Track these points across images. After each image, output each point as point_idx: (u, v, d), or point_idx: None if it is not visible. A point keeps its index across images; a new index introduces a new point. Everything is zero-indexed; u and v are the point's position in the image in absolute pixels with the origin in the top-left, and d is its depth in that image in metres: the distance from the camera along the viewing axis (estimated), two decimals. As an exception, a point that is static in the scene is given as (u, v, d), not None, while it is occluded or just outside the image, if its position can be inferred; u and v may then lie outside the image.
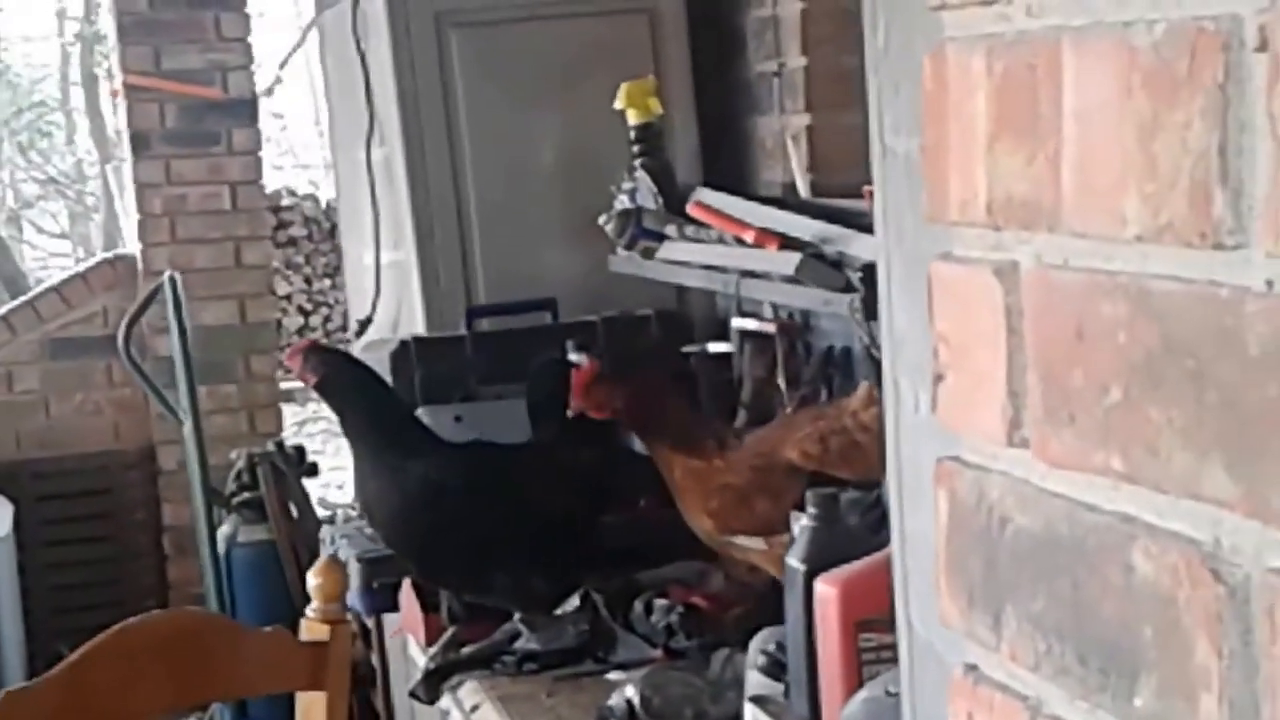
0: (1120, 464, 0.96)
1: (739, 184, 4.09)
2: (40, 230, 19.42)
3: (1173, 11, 0.90)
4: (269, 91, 12.96)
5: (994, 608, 1.09)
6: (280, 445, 5.08)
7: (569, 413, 2.90)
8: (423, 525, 3.09)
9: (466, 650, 3.03)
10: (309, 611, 2.49)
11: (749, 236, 3.32)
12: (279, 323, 10.20)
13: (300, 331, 10.20)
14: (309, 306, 10.45)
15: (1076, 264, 0.99)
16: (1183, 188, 0.89)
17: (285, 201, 10.70)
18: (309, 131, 18.14)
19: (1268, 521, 0.85)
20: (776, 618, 2.31)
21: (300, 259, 10.47)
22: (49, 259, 18.34)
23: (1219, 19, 0.86)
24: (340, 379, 3.14)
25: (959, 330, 1.12)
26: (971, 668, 1.13)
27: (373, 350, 3.89)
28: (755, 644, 2.44)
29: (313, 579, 2.48)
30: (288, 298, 10.39)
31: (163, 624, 2.44)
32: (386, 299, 4.28)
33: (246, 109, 6.67)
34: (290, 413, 6.66)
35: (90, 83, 17.84)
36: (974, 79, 1.07)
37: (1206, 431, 0.89)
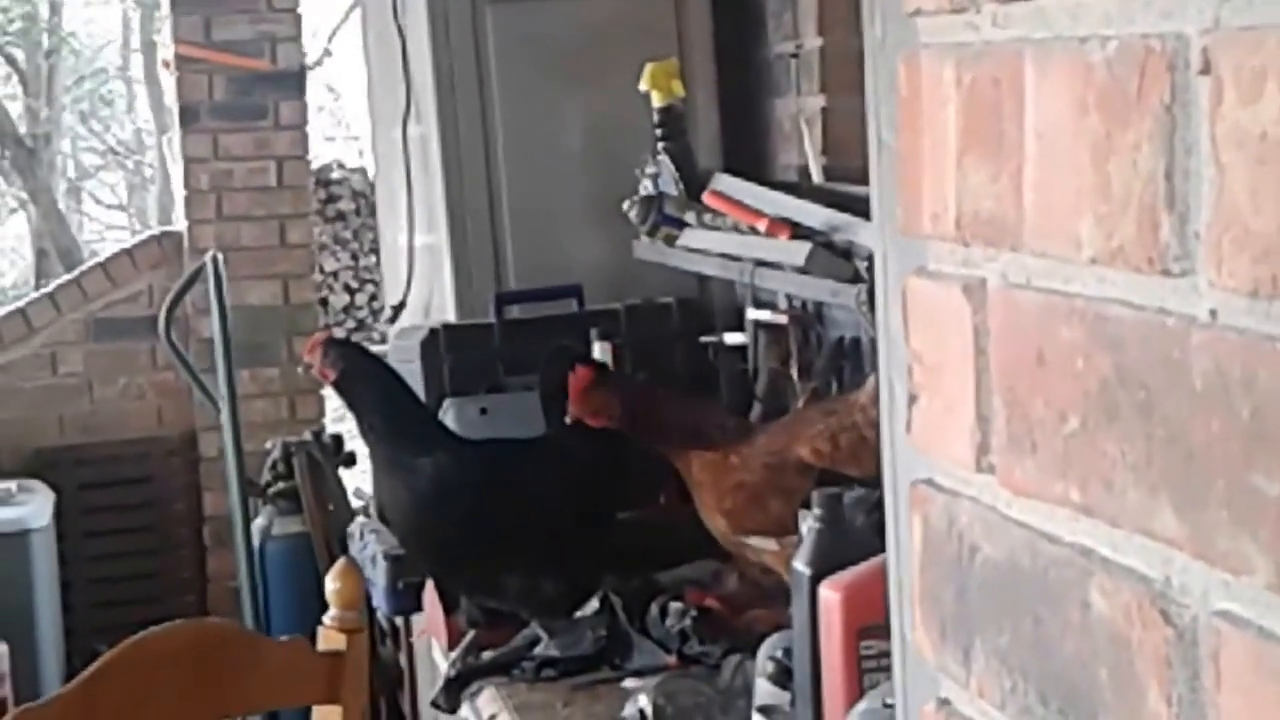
0: (1078, 496, 0.96)
1: (758, 168, 4.10)
2: (98, 201, 19.58)
3: (1125, 28, 0.90)
4: (318, 63, 13.01)
5: (964, 640, 1.10)
6: (317, 434, 5.11)
7: (566, 418, 2.92)
8: (433, 525, 3.10)
9: (486, 656, 3.05)
10: (326, 619, 2.52)
11: (762, 226, 3.35)
12: (325, 301, 10.24)
13: (347, 310, 10.23)
14: (355, 284, 10.46)
15: (1039, 284, 1.00)
16: (1132, 211, 0.90)
17: (335, 175, 10.73)
18: (362, 103, 18.21)
19: (1213, 563, 0.86)
20: (789, 621, 2.32)
21: (348, 234, 10.49)
22: (105, 231, 18.49)
23: (1165, 38, 0.86)
24: (358, 375, 3.16)
25: (932, 349, 1.13)
26: (944, 702, 1.14)
27: (405, 337, 3.92)
28: (764, 650, 2.45)
29: (330, 584, 2.51)
30: (334, 274, 10.41)
31: (179, 635, 2.47)
32: (419, 283, 4.32)
33: (294, 81, 6.72)
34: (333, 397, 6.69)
35: (150, 50, 17.97)
36: (945, 89, 1.08)
37: (1156, 468, 0.89)
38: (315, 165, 11.48)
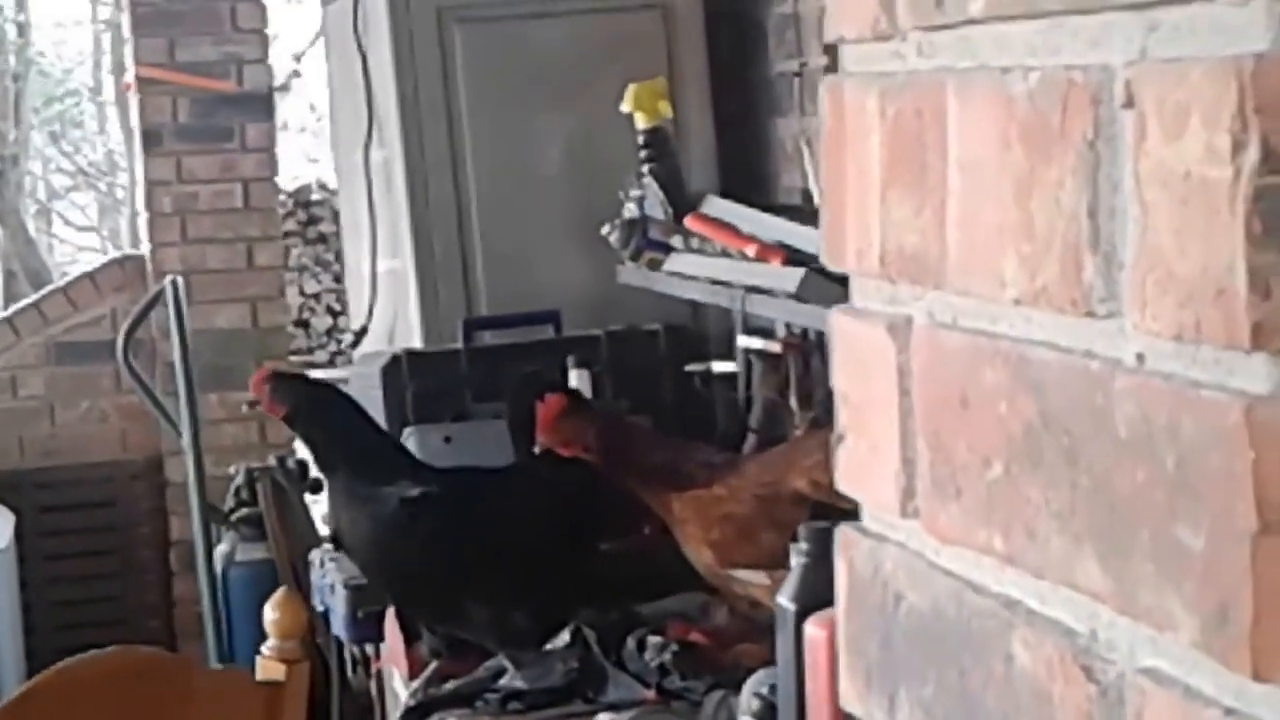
0: (1001, 544, 0.92)
1: (758, 190, 4.04)
2: (68, 223, 19.48)
3: (1049, 58, 0.86)
4: (286, 86, 12.95)
5: (889, 689, 1.06)
6: (282, 460, 5.05)
7: (535, 449, 2.85)
8: (395, 555, 3.04)
9: (448, 686, 2.99)
10: (264, 649, 2.46)
11: (751, 251, 3.28)
12: (307, 323, 10.17)
13: (330, 332, 10.16)
14: (338, 306, 10.39)
15: (965, 324, 0.95)
16: (1056, 250, 0.85)
17: (315, 196, 10.67)
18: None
19: (1138, 618, 0.81)
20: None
21: (330, 256, 10.43)
22: (77, 253, 18.39)
23: (1089, 69, 0.82)
24: (309, 408, 3.09)
25: (857, 389, 1.09)
26: (871, 753, 1.10)
27: (366, 364, 3.86)
28: (749, 686, 2.39)
29: (269, 613, 2.45)
30: (316, 296, 10.36)
31: (107, 663, 2.42)
32: (383, 309, 4.25)
33: (262, 103, 6.66)
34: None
35: (120, 71, 17.88)
36: (869, 120, 1.04)
37: (1080, 517, 0.85)
38: (296, 186, 11.42)
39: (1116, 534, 0.82)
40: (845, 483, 1.11)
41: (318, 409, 3.10)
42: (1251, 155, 0.72)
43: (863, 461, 1.08)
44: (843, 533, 1.11)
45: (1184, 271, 0.76)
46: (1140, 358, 0.80)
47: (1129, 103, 0.79)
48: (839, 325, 1.10)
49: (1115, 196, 0.81)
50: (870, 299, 1.06)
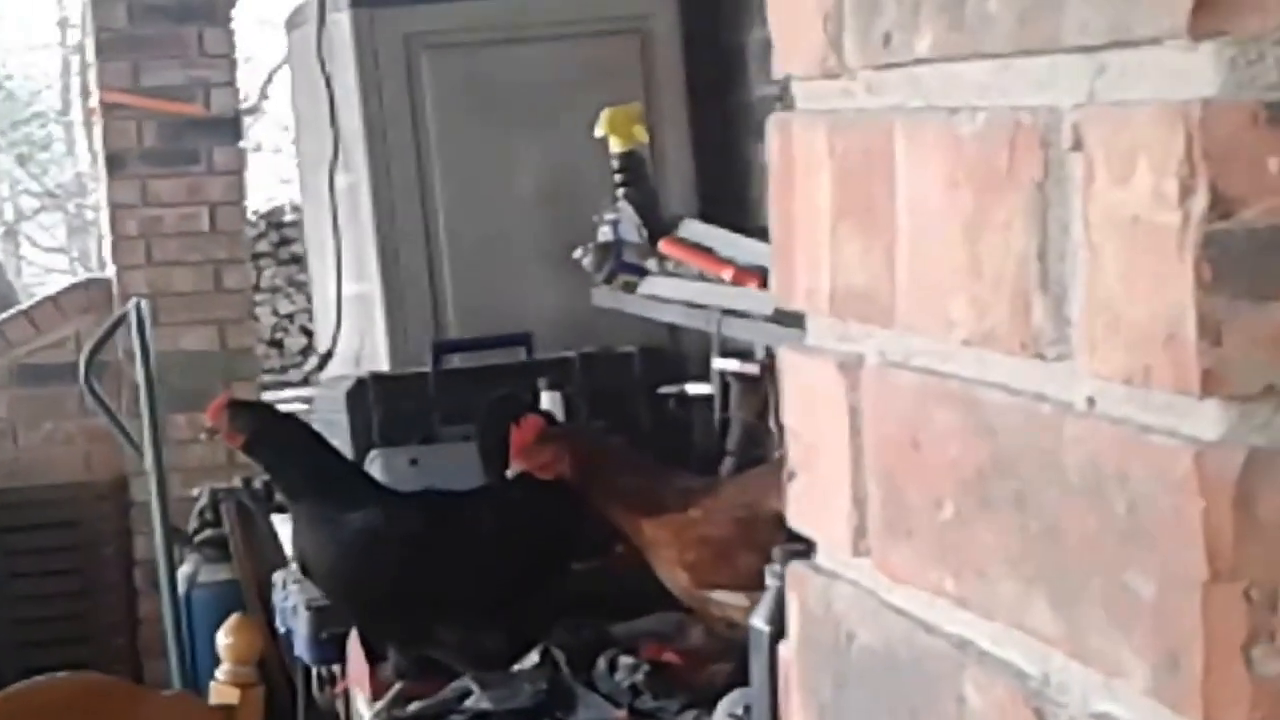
0: (953, 586, 0.90)
1: (739, 214, 4.02)
2: (36, 245, 19.40)
3: (997, 99, 0.84)
4: (255, 108, 12.91)
5: (843, 730, 1.04)
6: (248, 481, 5.02)
7: (507, 473, 2.82)
8: (361, 578, 3.01)
9: (412, 708, 2.96)
10: (218, 674, 2.43)
11: (727, 274, 3.27)
12: (280, 343, 10.12)
13: (304, 352, 10.12)
14: (311, 326, 10.35)
15: (915, 364, 0.94)
16: (1005, 292, 0.84)
17: (288, 217, 10.63)
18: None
19: (1089, 663, 0.80)
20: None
21: (303, 276, 10.37)
22: (45, 274, 18.31)
23: (1037, 111, 0.81)
24: (268, 435, 3.06)
25: (808, 427, 1.07)
26: (824, 792, 1.08)
27: (331, 387, 3.84)
28: (723, 707, 2.38)
29: (223, 638, 2.42)
30: (290, 317, 10.32)
31: (57, 689, 2.39)
32: (349, 333, 4.23)
33: (229, 127, 6.63)
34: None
35: (89, 94, 17.81)
36: (818, 157, 1.02)
37: (1031, 561, 0.83)
38: (268, 207, 11.38)
39: (1068, 579, 0.80)
40: (797, 520, 1.09)
41: (276, 436, 3.07)
42: (1200, 201, 0.70)
43: (814, 499, 1.07)
44: (795, 570, 1.09)
45: (1134, 316, 0.74)
46: (1091, 402, 0.79)
47: (1077, 145, 0.78)
48: (789, 362, 1.09)
49: (1064, 239, 0.80)
50: (822, 336, 1.05)
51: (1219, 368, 0.70)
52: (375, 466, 3.52)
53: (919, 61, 0.91)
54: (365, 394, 3.71)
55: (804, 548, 2.33)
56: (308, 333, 10.48)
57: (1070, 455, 0.80)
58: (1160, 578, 0.73)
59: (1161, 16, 0.71)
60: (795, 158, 1.05)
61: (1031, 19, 0.81)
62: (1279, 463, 0.70)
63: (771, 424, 3.43)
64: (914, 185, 0.91)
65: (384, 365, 3.97)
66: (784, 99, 3.79)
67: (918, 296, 0.92)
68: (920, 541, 0.93)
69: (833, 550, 1.05)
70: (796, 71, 1.05)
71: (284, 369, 10.31)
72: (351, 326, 4.23)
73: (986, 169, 0.84)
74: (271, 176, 15.63)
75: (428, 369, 3.80)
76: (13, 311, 6.88)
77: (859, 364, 1.00)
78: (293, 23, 4.63)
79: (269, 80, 14.41)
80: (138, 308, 5.25)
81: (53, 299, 6.66)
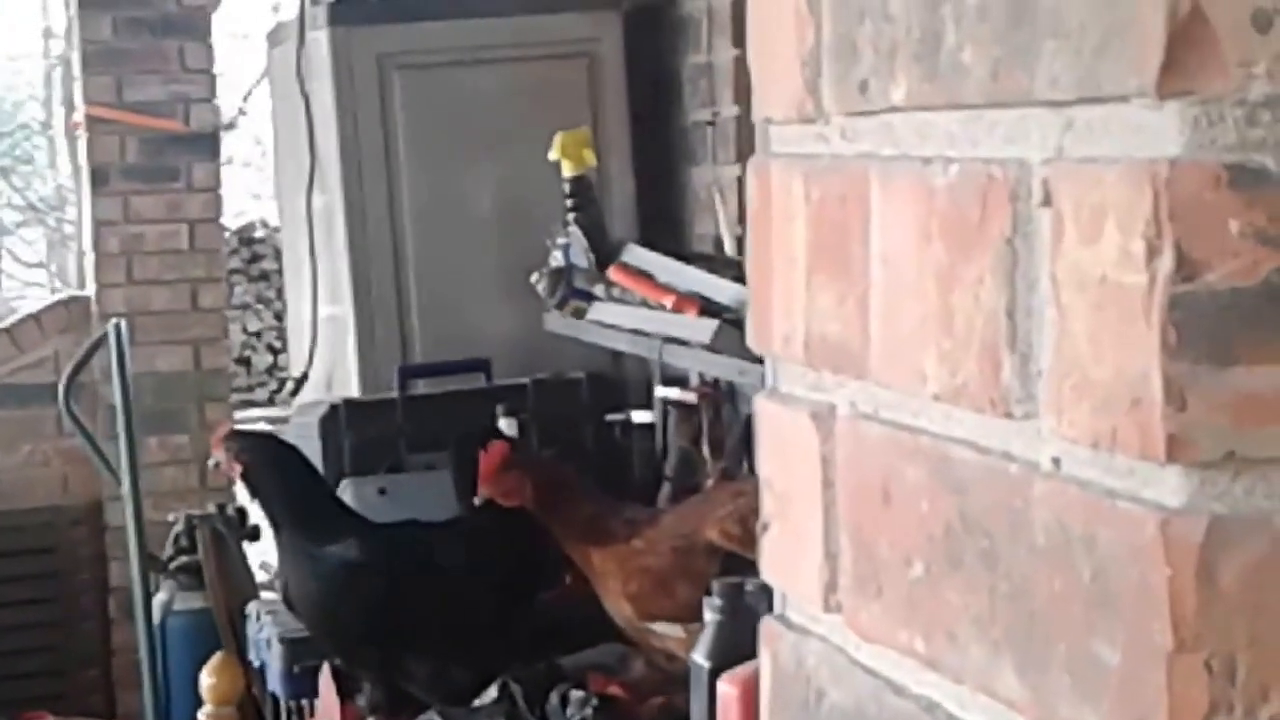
0: (922, 647, 0.91)
1: (675, 238, 4.07)
2: (17, 259, 19.39)
3: (969, 150, 0.85)
4: (232, 124, 12.93)
5: (813, 787, 1.04)
6: (222, 508, 5.01)
7: (475, 500, 2.87)
8: (339, 612, 3.06)
9: (380, 743, 2.98)
10: (201, 716, 2.44)
11: (668, 302, 3.32)
12: (248, 361, 10.12)
13: (270, 370, 10.12)
14: (278, 344, 10.39)
15: (886, 416, 0.94)
16: (975, 348, 0.84)
17: (259, 233, 10.64)
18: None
19: (1055, 730, 0.80)
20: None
21: (272, 293, 10.41)
22: (25, 289, 18.29)
23: (1007, 165, 0.81)
24: (265, 465, 3.12)
25: (782, 477, 1.07)
26: None
27: (305, 413, 3.86)
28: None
29: (206, 678, 2.43)
30: (258, 334, 10.33)
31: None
32: (323, 355, 4.25)
33: (208, 143, 6.64)
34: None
35: (72, 107, 17.81)
36: (794, 203, 1.03)
37: (999, 624, 0.84)
38: (240, 223, 11.38)
39: (1034, 644, 0.81)
40: (769, 573, 1.09)
41: (276, 467, 3.14)
42: (1166, 262, 0.71)
43: (787, 552, 1.07)
44: (767, 624, 1.09)
45: (1100, 377, 0.75)
46: (1057, 463, 0.79)
47: (1046, 201, 0.79)
48: (763, 410, 1.09)
49: (1032, 296, 0.80)
50: (795, 384, 1.05)
51: (1183, 433, 0.71)
52: (346, 496, 3.57)
53: (894, 110, 0.92)
54: (338, 420, 3.75)
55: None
56: (274, 350, 10.48)
57: (1038, 516, 0.80)
58: (1126, 646, 0.74)
59: (1129, 75, 0.72)
60: (772, 203, 1.06)
61: (1004, 71, 0.82)
62: (1239, 531, 0.70)
63: (705, 450, 3.47)
64: (888, 236, 0.92)
65: (354, 389, 4.00)
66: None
67: (890, 348, 0.92)
68: (890, 599, 0.94)
69: (804, 605, 1.05)
70: (775, 115, 1.05)
71: (250, 388, 10.33)
72: (324, 349, 4.25)
73: (959, 222, 0.85)
74: (244, 192, 15.65)
75: (394, 394, 3.84)
76: (-5, 329, 6.87)
77: (831, 414, 1.00)
78: (274, 39, 4.65)
79: (247, 95, 14.43)
80: (117, 329, 5.24)
81: (35, 317, 6.64)
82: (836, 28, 0.96)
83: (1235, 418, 0.71)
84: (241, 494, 6.72)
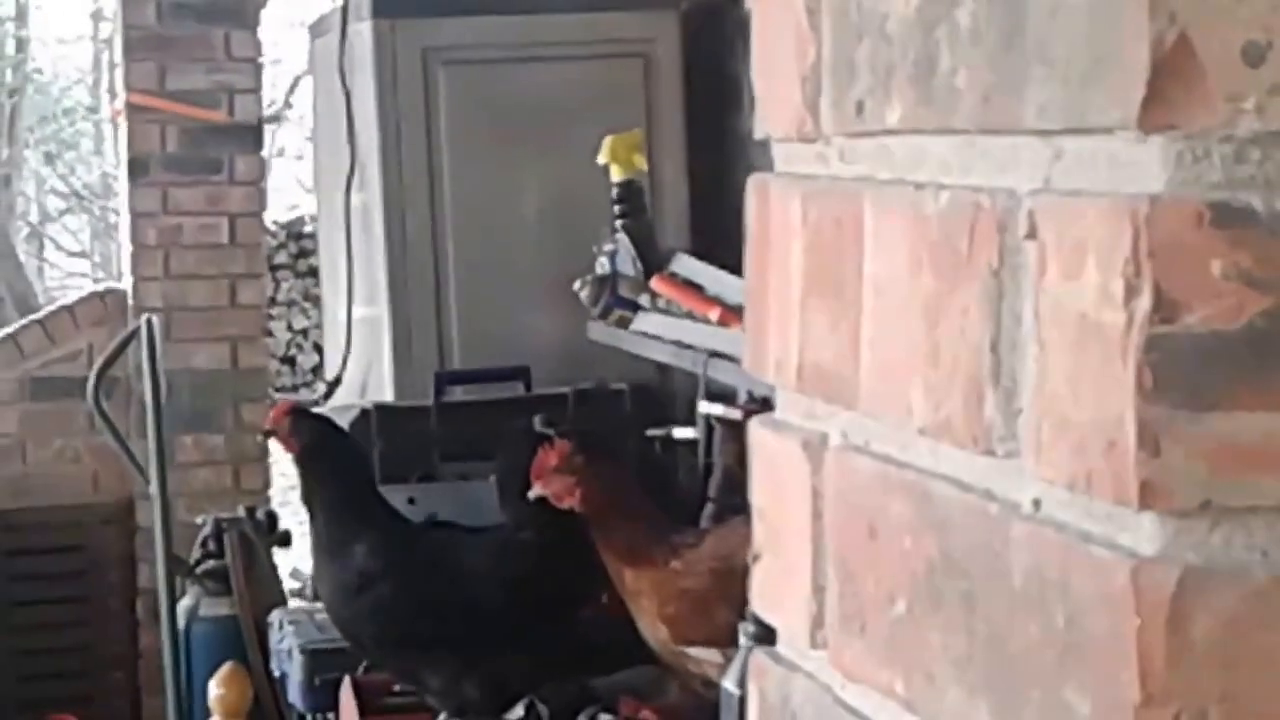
0: (903, 688, 0.91)
1: (729, 249, 4.04)
2: (60, 248, 19.50)
3: (960, 178, 0.85)
4: (276, 117, 12.97)
5: (796, 828, 1.04)
6: (251, 511, 5.02)
7: (529, 495, 2.83)
8: (358, 609, 3.07)
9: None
10: (208, 728, 2.45)
11: (714, 315, 3.30)
12: (293, 360, 10.13)
13: (316, 370, 10.13)
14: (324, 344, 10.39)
15: (875, 449, 0.94)
16: (959, 382, 0.84)
17: (308, 228, 10.65)
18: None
19: (1030, 782, 0.80)
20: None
21: (319, 291, 10.41)
22: (66, 279, 18.41)
23: (996, 194, 0.81)
24: (323, 451, 3.14)
25: (773, 506, 1.07)
26: None
27: (337, 416, 3.86)
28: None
29: (214, 689, 2.44)
30: (304, 332, 10.34)
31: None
32: (358, 358, 4.26)
33: (251, 135, 6.65)
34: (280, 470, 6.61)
35: (116, 93, 17.87)
36: (792, 224, 1.03)
37: (976, 667, 0.84)
38: (289, 217, 11.39)
39: (1009, 689, 0.81)
40: (760, 604, 1.09)
41: (330, 451, 3.15)
42: (1144, 302, 0.70)
43: (776, 584, 1.07)
44: (756, 659, 1.09)
45: (1078, 418, 0.75)
46: (1037, 504, 0.79)
47: (1032, 233, 0.78)
48: (757, 437, 1.09)
49: (1017, 330, 0.80)
50: (789, 411, 1.05)
51: (1157, 479, 0.70)
52: (382, 500, 3.56)
53: (889, 132, 0.92)
54: (369, 426, 3.75)
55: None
56: (320, 350, 10.49)
57: (1016, 558, 0.80)
58: (1095, 696, 0.74)
59: (1113, 106, 0.72)
60: (771, 222, 1.06)
61: (995, 97, 0.81)
62: (1214, 583, 0.70)
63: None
64: (880, 262, 0.92)
65: (389, 393, 4.00)
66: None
67: (880, 378, 0.92)
68: (873, 637, 0.94)
69: (792, 639, 1.05)
70: (776, 133, 1.06)
71: (295, 388, 10.34)
72: (359, 351, 4.26)
73: (948, 251, 0.85)
74: (294, 184, 15.67)
75: (429, 401, 3.84)
76: (27, 320, 6.91)
77: (823, 444, 1.00)
78: (316, 30, 4.67)
79: (294, 85, 14.48)
80: (149, 324, 5.27)
81: (69, 309, 6.68)
82: (836, 46, 0.96)
83: (1213, 465, 0.70)
84: (281, 491, 6.76)
